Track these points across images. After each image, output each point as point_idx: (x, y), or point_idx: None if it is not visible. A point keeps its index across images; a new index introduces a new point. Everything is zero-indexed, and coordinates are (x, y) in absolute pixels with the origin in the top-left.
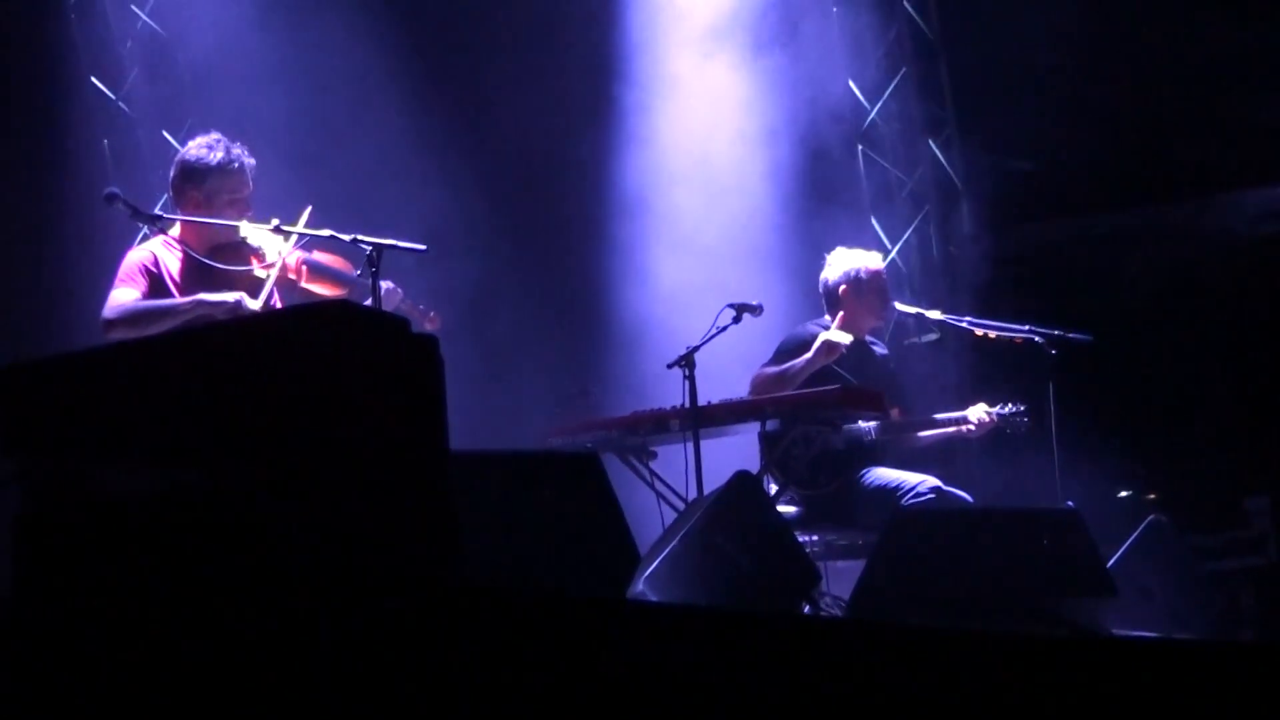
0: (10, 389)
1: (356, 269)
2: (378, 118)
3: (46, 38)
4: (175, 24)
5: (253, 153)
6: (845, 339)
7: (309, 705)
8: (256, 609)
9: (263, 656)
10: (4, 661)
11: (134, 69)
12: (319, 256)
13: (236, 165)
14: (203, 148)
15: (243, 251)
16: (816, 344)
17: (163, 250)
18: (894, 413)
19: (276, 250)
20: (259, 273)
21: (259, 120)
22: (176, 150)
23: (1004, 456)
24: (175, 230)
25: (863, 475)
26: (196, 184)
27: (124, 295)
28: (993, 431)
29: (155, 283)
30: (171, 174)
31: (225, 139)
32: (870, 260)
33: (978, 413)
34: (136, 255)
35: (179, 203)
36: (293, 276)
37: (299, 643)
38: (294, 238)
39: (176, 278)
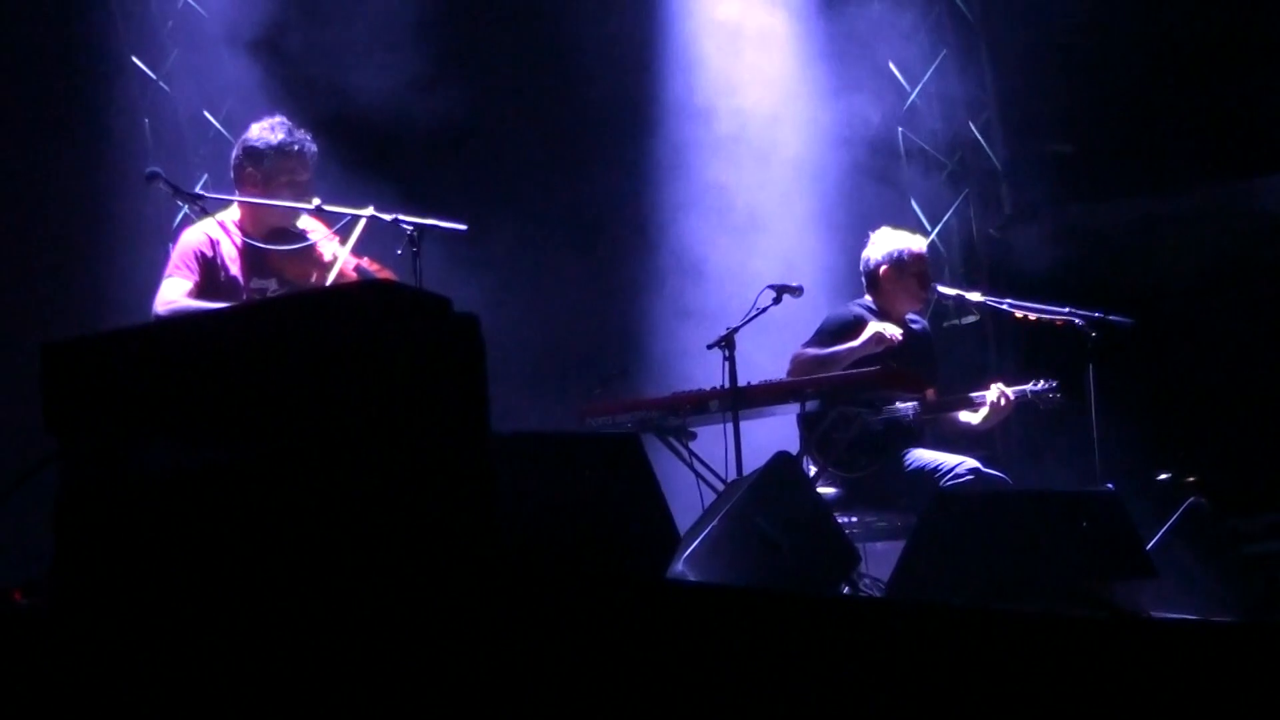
0: (54, 367)
1: (399, 248)
2: (419, 93)
3: (88, 17)
4: (215, 4)
5: (269, 114)
6: (896, 332)
7: (352, 683)
8: (298, 589)
9: (303, 636)
10: (46, 640)
11: (175, 49)
12: (370, 266)
13: (297, 148)
14: (265, 128)
15: (293, 241)
16: (867, 333)
17: (217, 232)
18: (929, 393)
19: (333, 252)
20: (324, 248)
21: (300, 102)
22: (216, 129)
23: (1043, 438)
24: (232, 215)
25: (902, 457)
26: (255, 163)
27: (176, 289)
28: (1017, 409)
29: (208, 269)
30: (233, 155)
31: (289, 123)
32: (913, 242)
33: (993, 394)
34: (192, 239)
35: (238, 184)
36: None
37: (341, 621)
38: (351, 241)
39: (231, 262)
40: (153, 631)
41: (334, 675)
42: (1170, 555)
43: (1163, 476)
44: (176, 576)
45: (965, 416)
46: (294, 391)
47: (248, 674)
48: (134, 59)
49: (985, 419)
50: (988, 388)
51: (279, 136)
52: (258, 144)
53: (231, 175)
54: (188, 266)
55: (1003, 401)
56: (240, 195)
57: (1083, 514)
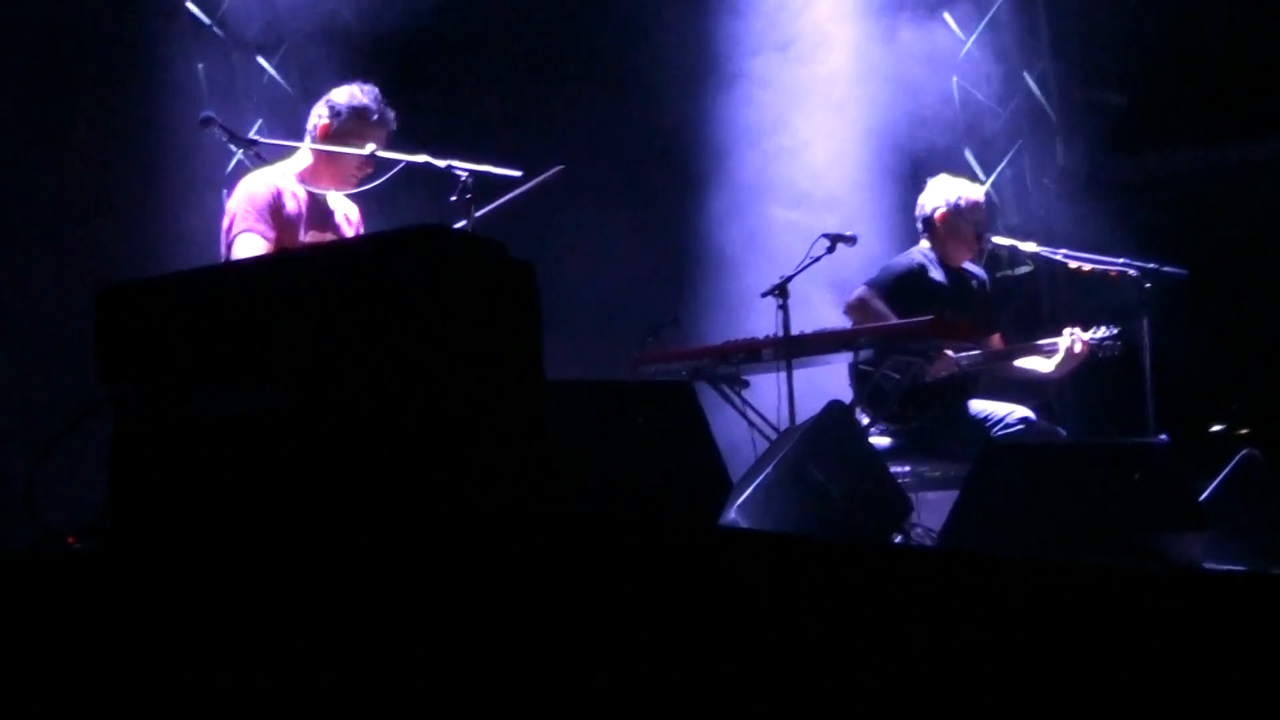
0: (109, 311)
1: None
2: (477, 46)
3: None
4: None
5: (354, 78)
6: (952, 368)
7: (404, 630)
8: (350, 536)
9: (356, 582)
10: (100, 583)
11: None
12: None
13: (375, 117)
14: (353, 90)
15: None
16: (934, 355)
17: (282, 181)
18: (994, 339)
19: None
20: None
21: (354, 48)
22: (270, 75)
23: (1096, 389)
24: (295, 165)
25: (953, 407)
26: (333, 117)
27: (251, 245)
28: (1087, 357)
29: (279, 221)
30: (314, 108)
31: (378, 92)
32: (971, 190)
33: (1067, 340)
34: (258, 189)
35: (314, 138)
36: None
37: (393, 568)
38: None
39: (297, 215)
40: (206, 576)
41: (386, 622)
42: (1223, 507)
43: (1216, 428)
44: (230, 521)
45: (1035, 363)
46: (348, 337)
47: (300, 620)
48: (188, 3)
49: (1060, 365)
50: (1059, 334)
51: (362, 100)
52: (338, 101)
53: (307, 128)
54: (263, 222)
55: (1078, 347)
56: (291, 142)
57: (1135, 465)
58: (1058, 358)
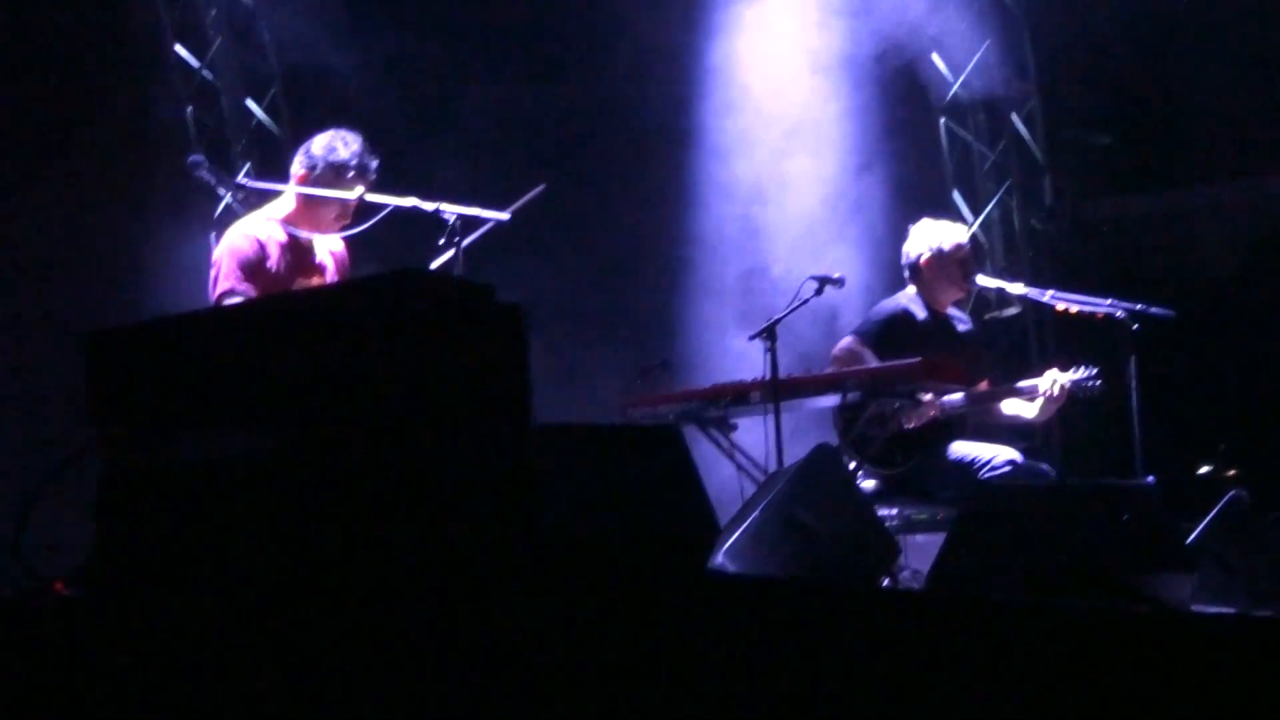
0: (98, 355)
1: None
2: (463, 89)
3: (132, 6)
4: None
5: (339, 123)
6: (934, 412)
7: (392, 672)
8: (338, 579)
9: (344, 625)
10: (88, 629)
11: (218, 38)
12: None
13: (352, 173)
14: (338, 140)
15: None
16: (918, 399)
17: (264, 230)
18: (983, 386)
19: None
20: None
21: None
22: (259, 119)
23: (1083, 430)
24: (279, 210)
25: (940, 450)
26: (309, 169)
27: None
28: (1068, 399)
29: (261, 276)
30: (295, 155)
31: (360, 142)
32: (953, 233)
33: (1047, 382)
34: (241, 244)
35: (296, 182)
36: None
37: (380, 612)
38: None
39: (277, 263)
40: (193, 619)
41: (374, 664)
42: (1210, 549)
43: (1203, 470)
44: (216, 564)
45: (1017, 409)
46: (334, 381)
47: (288, 663)
48: (178, 48)
49: (1041, 410)
50: (1040, 376)
51: (340, 156)
52: (316, 153)
53: (291, 171)
54: (246, 279)
55: (1058, 390)
56: (279, 185)
57: (1122, 507)
58: (1040, 402)
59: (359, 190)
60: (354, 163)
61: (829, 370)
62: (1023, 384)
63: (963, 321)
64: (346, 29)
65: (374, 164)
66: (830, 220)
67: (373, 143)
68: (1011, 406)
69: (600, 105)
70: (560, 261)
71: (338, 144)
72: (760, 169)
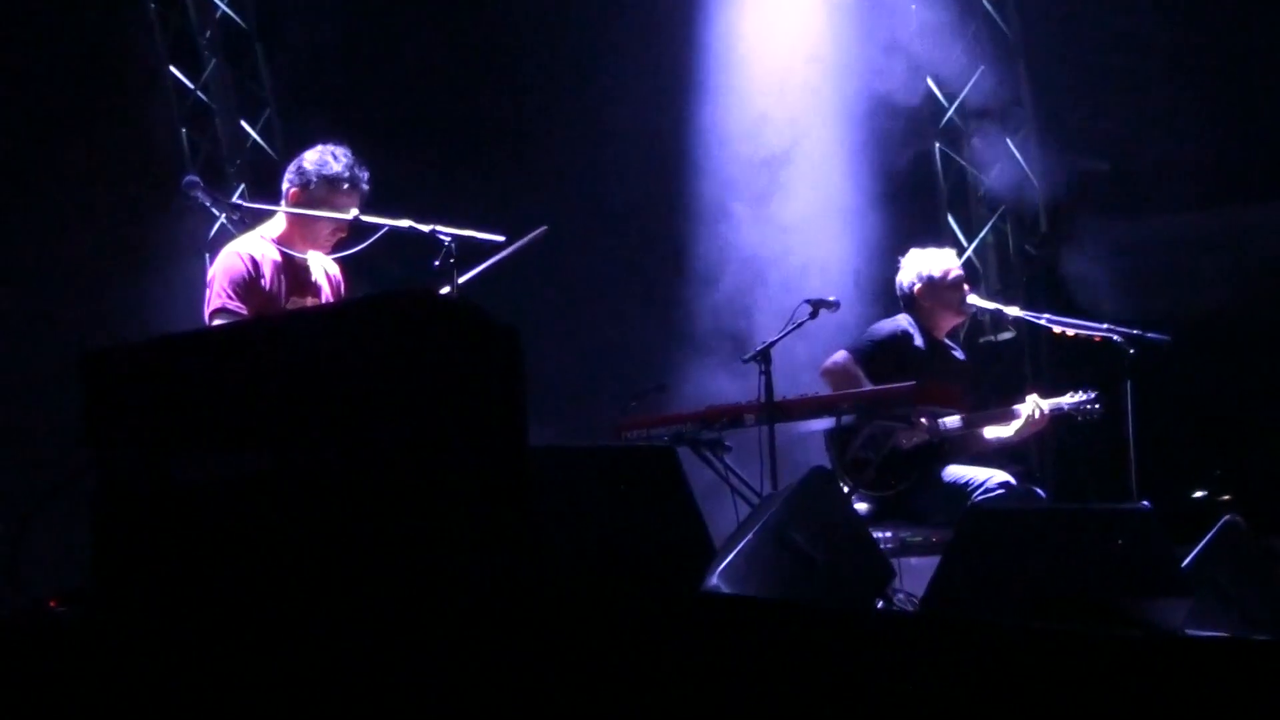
0: (93, 376)
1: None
2: (457, 107)
3: (126, 28)
4: (254, 14)
5: (337, 142)
6: (925, 435)
7: (387, 694)
8: (334, 599)
9: (339, 646)
10: (83, 648)
11: (213, 60)
12: None
13: (346, 185)
14: (328, 153)
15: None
16: (907, 426)
17: (258, 249)
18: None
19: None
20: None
21: (339, 111)
22: (254, 140)
23: (1078, 454)
24: (273, 230)
25: (934, 473)
26: (301, 186)
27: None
28: (1054, 423)
29: (254, 295)
30: (285, 173)
31: (349, 155)
32: (944, 259)
33: (1029, 408)
34: (234, 264)
35: (287, 202)
36: None
37: (376, 633)
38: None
39: (271, 281)
40: (189, 639)
41: (369, 685)
42: (1205, 573)
43: (1198, 494)
44: (212, 584)
45: (996, 431)
46: (331, 401)
47: (283, 684)
48: (172, 68)
49: (1018, 431)
50: (1024, 400)
51: (333, 168)
52: (308, 168)
53: (282, 190)
54: (238, 299)
55: (1037, 415)
56: (274, 206)
57: (1117, 531)
58: (1016, 424)
59: (353, 212)
60: (347, 174)
61: (822, 392)
62: (1005, 409)
63: (957, 350)
64: (341, 51)
65: (365, 175)
66: (825, 245)
67: (364, 160)
68: (991, 431)
69: (592, 127)
70: (556, 283)
71: (328, 158)
72: (755, 193)
